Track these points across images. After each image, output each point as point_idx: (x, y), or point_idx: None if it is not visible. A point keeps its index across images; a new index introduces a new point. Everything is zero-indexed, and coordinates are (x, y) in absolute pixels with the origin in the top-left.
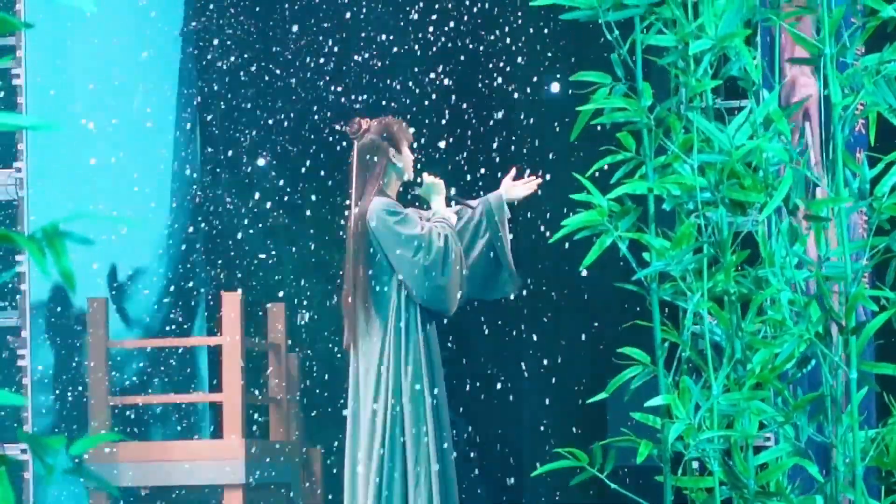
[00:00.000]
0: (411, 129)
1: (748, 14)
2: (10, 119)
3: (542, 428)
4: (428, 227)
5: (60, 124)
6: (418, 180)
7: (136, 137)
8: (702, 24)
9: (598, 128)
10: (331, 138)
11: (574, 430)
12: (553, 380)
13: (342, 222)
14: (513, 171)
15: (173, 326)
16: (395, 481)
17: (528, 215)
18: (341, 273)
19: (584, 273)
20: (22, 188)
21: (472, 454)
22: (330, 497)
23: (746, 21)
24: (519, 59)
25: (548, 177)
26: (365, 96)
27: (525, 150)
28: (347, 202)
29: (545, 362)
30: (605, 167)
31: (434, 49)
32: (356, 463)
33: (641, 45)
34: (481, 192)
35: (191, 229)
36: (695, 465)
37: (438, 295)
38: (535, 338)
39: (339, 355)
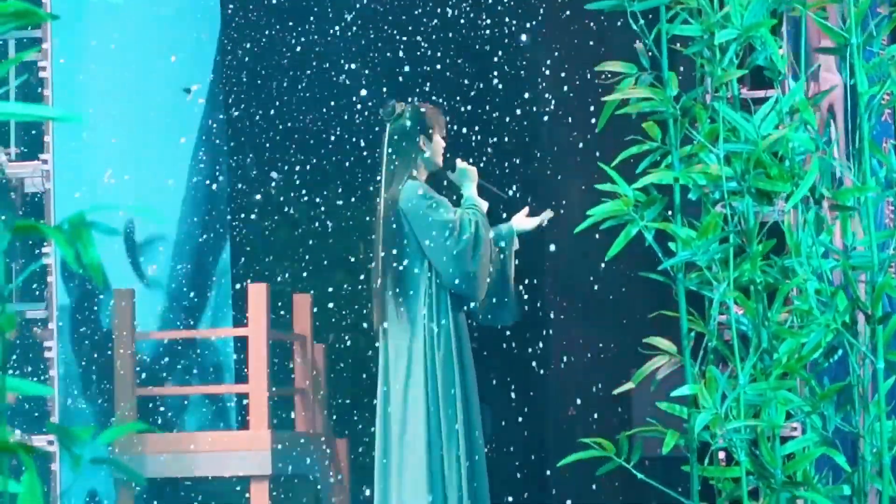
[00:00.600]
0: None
1: (774, 3)
2: (37, 110)
3: (568, 419)
4: (459, 213)
5: (85, 116)
6: (450, 170)
7: (161, 131)
8: (727, 13)
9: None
10: (355, 129)
11: (599, 420)
12: (579, 371)
13: (367, 215)
14: (526, 209)
15: (199, 318)
16: (426, 468)
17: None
18: (369, 264)
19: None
20: (49, 180)
21: (497, 445)
22: (358, 488)
23: (772, 10)
24: (545, 49)
25: (561, 212)
26: (385, 87)
27: (547, 141)
28: (372, 188)
29: (571, 354)
30: (632, 158)
31: (458, 38)
32: (388, 450)
33: (667, 34)
34: (504, 183)
35: (216, 221)
36: (721, 454)
37: (468, 281)
38: (560, 328)
39: (364, 347)
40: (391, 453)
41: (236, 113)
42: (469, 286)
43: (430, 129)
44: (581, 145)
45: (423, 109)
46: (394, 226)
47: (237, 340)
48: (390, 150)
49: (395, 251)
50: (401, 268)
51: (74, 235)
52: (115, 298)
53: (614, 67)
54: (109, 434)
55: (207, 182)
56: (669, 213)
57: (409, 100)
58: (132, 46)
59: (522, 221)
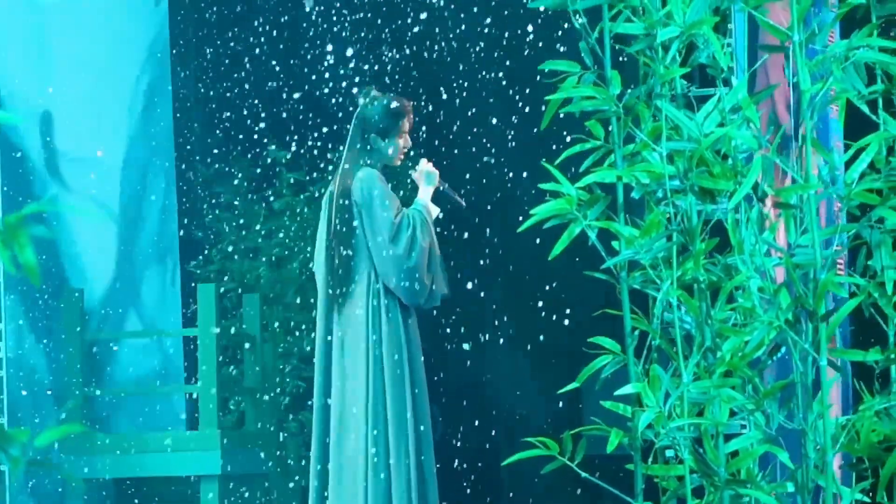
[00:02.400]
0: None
1: (716, 1)
2: None
3: (516, 419)
4: (401, 215)
5: (25, 118)
6: (413, 168)
7: (111, 128)
8: (670, 11)
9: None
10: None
11: (548, 420)
12: (525, 370)
13: (309, 212)
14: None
15: (147, 318)
16: (377, 465)
17: (496, 204)
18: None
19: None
20: None
21: (447, 445)
22: (305, 485)
23: (715, 8)
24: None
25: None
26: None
27: (492, 139)
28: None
29: (517, 353)
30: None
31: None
32: (341, 452)
33: (610, 33)
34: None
35: (166, 221)
36: (669, 453)
37: (406, 285)
38: (505, 328)
39: (310, 347)
40: (329, 457)
41: (186, 121)
42: (407, 292)
43: (392, 126)
44: (522, 144)
45: (391, 104)
46: (344, 213)
47: (186, 341)
48: (352, 135)
49: (342, 240)
50: (347, 258)
51: (10, 237)
52: (63, 299)
53: (557, 66)
54: (47, 436)
55: (159, 182)
56: (613, 212)
57: (390, 92)
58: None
59: (424, 193)
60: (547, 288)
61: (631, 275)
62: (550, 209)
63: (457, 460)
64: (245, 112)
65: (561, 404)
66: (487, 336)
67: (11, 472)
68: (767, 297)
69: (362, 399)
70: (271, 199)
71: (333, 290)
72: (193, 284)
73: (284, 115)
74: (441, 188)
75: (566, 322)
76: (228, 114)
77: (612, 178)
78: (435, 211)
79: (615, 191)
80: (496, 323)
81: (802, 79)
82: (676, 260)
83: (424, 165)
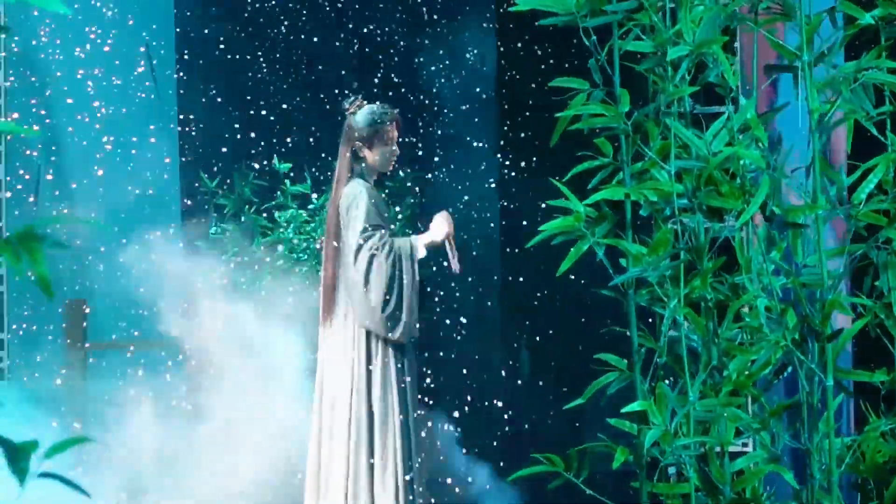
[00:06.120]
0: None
1: (726, 21)
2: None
3: (518, 434)
4: (368, 241)
5: (39, 128)
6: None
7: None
8: (679, 30)
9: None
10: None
11: (549, 435)
12: (529, 385)
13: (314, 224)
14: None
15: None
16: (360, 466)
17: (505, 222)
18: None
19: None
20: (1, 189)
21: (453, 456)
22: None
23: (724, 27)
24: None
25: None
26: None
27: (500, 154)
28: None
29: (521, 368)
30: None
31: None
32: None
33: (619, 51)
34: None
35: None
36: (671, 470)
37: (364, 310)
38: (511, 343)
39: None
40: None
41: (191, 116)
42: (364, 315)
43: (376, 134)
44: (533, 159)
45: (375, 112)
46: (335, 224)
47: None
48: (341, 145)
49: (335, 249)
50: (334, 273)
51: (24, 249)
52: (66, 308)
53: (567, 83)
54: (56, 448)
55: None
56: (620, 229)
57: (377, 100)
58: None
59: (424, 236)
60: (551, 303)
61: (638, 292)
62: (558, 225)
63: (454, 474)
64: (249, 124)
65: (557, 421)
66: (489, 351)
67: (20, 485)
68: (774, 317)
69: (342, 423)
70: (275, 211)
71: (322, 306)
72: None
73: (288, 126)
74: (444, 244)
75: (570, 337)
76: (235, 126)
77: (620, 196)
78: (421, 252)
79: (623, 208)
80: (499, 337)
81: (811, 98)
82: (683, 278)
83: (442, 217)
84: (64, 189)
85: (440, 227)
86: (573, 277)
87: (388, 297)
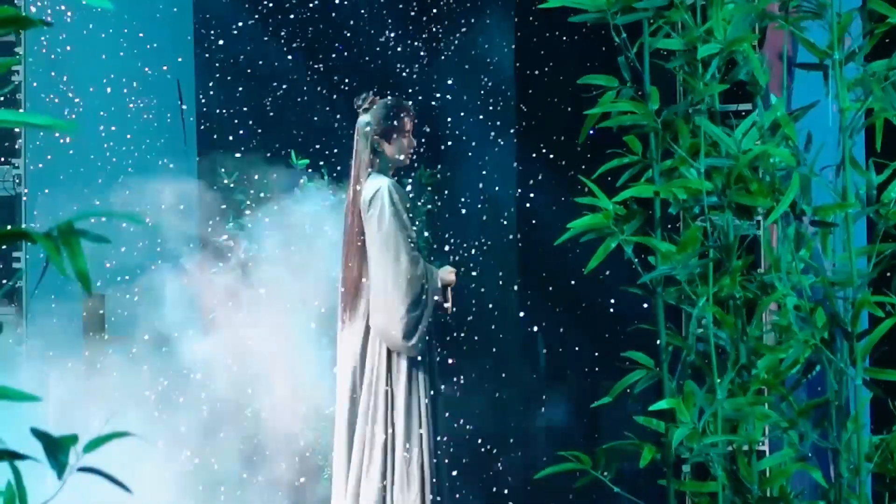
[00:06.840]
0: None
1: (756, 18)
2: (31, 118)
3: (541, 432)
4: (411, 250)
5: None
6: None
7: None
8: (710, 27)
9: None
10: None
11: (570, 433)
12: (557, 383)
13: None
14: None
15: None
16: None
17: (533, 220)
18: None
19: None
20: (21, 185)
21: (468, 457)
22: None
23: (755, 25)
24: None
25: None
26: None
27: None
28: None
29: (548, 366)
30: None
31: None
32: (350, 443)
33: (649, 48)
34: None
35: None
36: (685, 467)
37: (389, 318)
38: (537, 340)
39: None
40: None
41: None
42: (389, 326)
43: (393, 126)
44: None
45: (389, 105)
46: (358, 222)
47: None
48: (356, 142)
49: (350, 252)
50: (356, 270)
51: (63, 243)
52: (85, 303)
53: (596, 81)
54: (95, 442)
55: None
56: (649, 227)
57: (388, 95)
58: (104, 48)
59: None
60: (579, 300)
61: (666, 290)
62: (586, 223)
63: (476, 472)
64: (267, 119)
65: (578, 418)
66: (515, 348)
67: (59, 478)
68: (803, 315)
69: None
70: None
71: (343, 304)
72: None
73: (306, 121)
74: (447, 288)
75: (598, 335)
76: (250, 122)
77: (649, 194)
78: (439, 283)
79: (652, 206)
80: (525, 334)
81: (841, 97)
82: (712, 276)
83: (449, 268)
84: (80, 186)
85: (449, 274)
86: (595, 276)
87: (411, 314)
